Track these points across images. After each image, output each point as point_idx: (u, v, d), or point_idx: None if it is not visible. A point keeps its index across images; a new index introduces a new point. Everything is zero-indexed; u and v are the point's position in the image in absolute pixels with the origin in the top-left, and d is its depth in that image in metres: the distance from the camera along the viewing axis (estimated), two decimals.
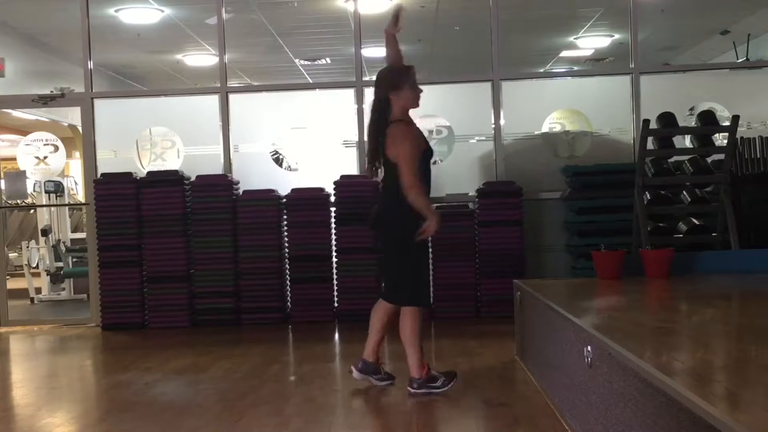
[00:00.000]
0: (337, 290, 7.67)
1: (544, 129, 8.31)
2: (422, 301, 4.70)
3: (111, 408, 4.78)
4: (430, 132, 8.17)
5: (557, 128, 8.38)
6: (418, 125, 4.66)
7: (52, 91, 8.49)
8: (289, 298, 7.80)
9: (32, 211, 12.13)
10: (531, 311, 4.99)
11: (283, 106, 8.55)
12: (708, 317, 4.21)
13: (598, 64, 12.35)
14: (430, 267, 4.84)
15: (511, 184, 7.66)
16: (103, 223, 7.76)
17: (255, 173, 8.18)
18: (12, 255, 11.94)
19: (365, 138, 4.76)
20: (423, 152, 4.48)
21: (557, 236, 7.95)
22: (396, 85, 4.47)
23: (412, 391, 4.60)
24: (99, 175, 7.98)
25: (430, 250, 4.75)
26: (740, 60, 9.51)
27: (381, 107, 4.49)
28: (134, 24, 9.84)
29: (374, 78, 4.68)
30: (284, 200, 7.78)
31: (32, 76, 10.28)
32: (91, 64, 8.26)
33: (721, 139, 7.57)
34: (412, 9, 9.57)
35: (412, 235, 4.41)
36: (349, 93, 8.24)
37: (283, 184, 7.99)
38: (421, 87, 4.60)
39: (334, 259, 7.67)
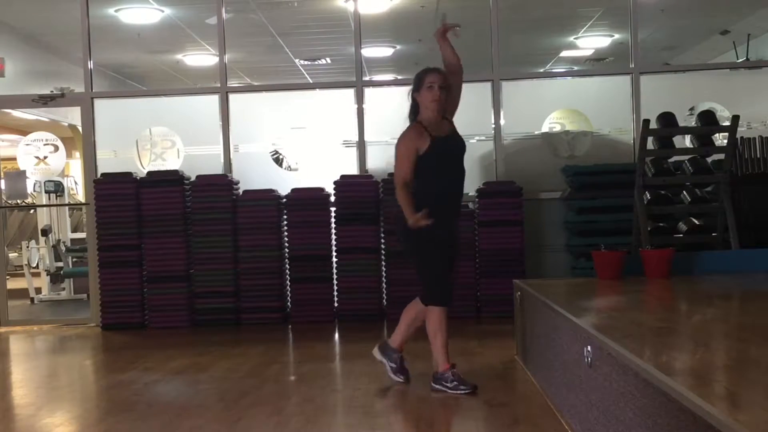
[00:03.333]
0: (337, 290, 7.66)
1: (544, 129, 8.31)
2: (438, 300, 4.66)
3: (111, 408, 4.78)
4: None
5: (557, 128, 8.38)
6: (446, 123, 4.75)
7: (52, 91, 8.49)
8: (289, 298, 7.80)
9: (32, 211, 12.13)
10: (531, 311, 4.98)
11: (283, 106, 8.56)
12: (708, 317, 4.21)
13: (598, 64, 12.35)
14: (449, 264, 4.80)
15: (511, 184, 7.66)
16: (103, 223, 7.76)
17: (255, 173, 8.18)
18: (12, 255, 11.94)
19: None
20: (428, 151, 4.59)
21: (557, 236, 7.95)
22: (415, 88, 4.73)
23: (432, 385, 4.67)
24: (99, 175, 7.98)
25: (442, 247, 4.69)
26: (740, 60, 9.51)
27: (412, 109, 4.74)
28: (134, 24, 9.84)
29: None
30: (284, 200, 7.78)
31: (32, 76, 10.28)
32: (91, 64, 8.26)
33: (721, 139, 7.57)
34: (413, 9, 9.59)
35: (413, 234, 4.50)
36: (349, 93, 8.24)
37: (283, 184, 7.99)
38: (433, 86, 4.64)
39: (334, 259, 7.67)
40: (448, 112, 4.76)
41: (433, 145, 4.60)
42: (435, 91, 4.62)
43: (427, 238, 4.53)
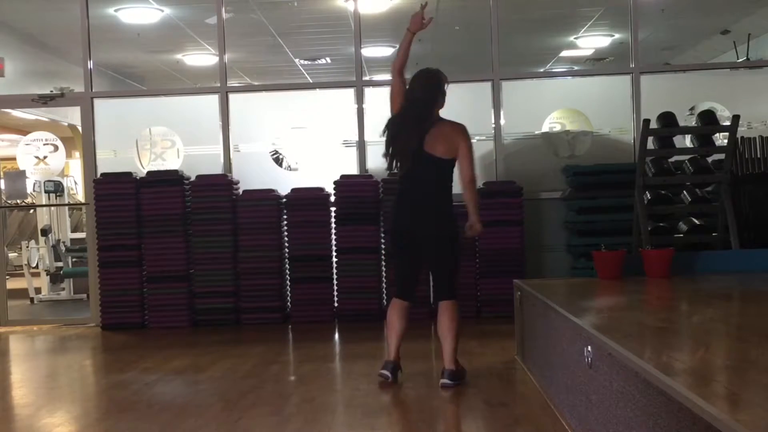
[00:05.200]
0: (337, 290, 7.66)
1: (544, 129, 8.31)
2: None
3: (111, 408, 4.78)
4: None
5: (557, 128, 8.38)
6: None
7: (52, 91, 8.49)
8: (289, 298, 7.80)
9: (32, 211, 12.13)
10: (531, 311, 4.98)
11: (283, 106, 8.56)
12: (708, 317, 4.21)
13: (598, 64, 12.35)
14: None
15: (511, 184, 7.66)
16: (103, 222, 7.76)
17: (255, 173, 8.18)
18: (12, 255, 11.94)
19: (383, 136, 4.86)
20: None
21: (557, 236, 7.94)
22: (444, 90, 4.78)
23: (450, 383, 4.67)
24: (99, 175, 7.97)
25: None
26: (740, 60, 9.50)
27: (427, 106, 4.75)
28: (134, 24, 9.83)
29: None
30: (284, 200, 7.78)
31: (32, 76, 10.28)
32: (91, 64, 8.25)
33: (721, 138, 7.57)
34: (413, 9, 9.58)
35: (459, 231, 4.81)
36: (349, 93, 8.24)
37: (283, 184, 7.99)
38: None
39: (334, 259, 7.67)
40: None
41: None
42: None
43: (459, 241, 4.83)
